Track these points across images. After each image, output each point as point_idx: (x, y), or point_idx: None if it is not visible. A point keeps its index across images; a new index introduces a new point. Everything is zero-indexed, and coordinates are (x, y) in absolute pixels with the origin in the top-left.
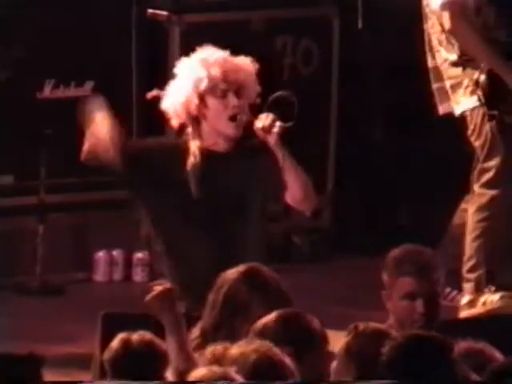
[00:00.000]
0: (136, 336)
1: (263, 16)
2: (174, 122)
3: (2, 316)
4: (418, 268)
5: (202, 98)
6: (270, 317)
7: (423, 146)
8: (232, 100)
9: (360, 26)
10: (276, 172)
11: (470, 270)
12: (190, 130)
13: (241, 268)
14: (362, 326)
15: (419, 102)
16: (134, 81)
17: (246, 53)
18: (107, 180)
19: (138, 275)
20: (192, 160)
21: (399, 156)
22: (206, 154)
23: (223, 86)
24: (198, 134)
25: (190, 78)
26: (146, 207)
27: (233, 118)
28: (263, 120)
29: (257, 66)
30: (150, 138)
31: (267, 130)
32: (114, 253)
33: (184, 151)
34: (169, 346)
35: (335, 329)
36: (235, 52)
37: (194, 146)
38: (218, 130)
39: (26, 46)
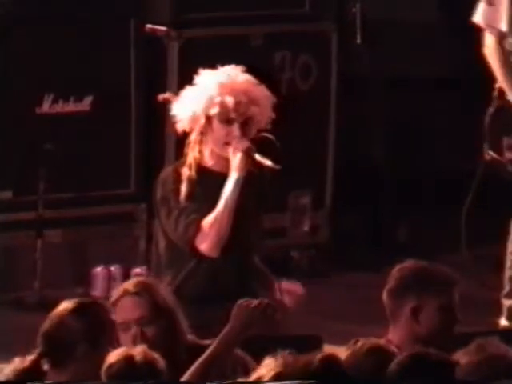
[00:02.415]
0: (138, 351)
1: (262, 31)
2: (179, 127)
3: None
4: (424, 286)
5: (209, 118)
6: None
7: (423, 160)
8: (236, 130)
9: (359, 41)
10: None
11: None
12: (191, 138)
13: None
14: (361, 341)
15: (418, 115)
16: (133, 96)
17: (245, 68)
18: (106, 195)
19: None
20: (186, 171)
21: (398, 170)
22: (201, 170)
23: (232, 115)
24: (199, 147)
25: (204, 97)
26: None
27: (229, 144)
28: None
29: (274, 98)
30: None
31: (245, 151)
32: (112, 268)
33: (181, 165)
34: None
35: (334, 344)
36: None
37: (191, 157)
38: (216, 151)
39: (25, 60)
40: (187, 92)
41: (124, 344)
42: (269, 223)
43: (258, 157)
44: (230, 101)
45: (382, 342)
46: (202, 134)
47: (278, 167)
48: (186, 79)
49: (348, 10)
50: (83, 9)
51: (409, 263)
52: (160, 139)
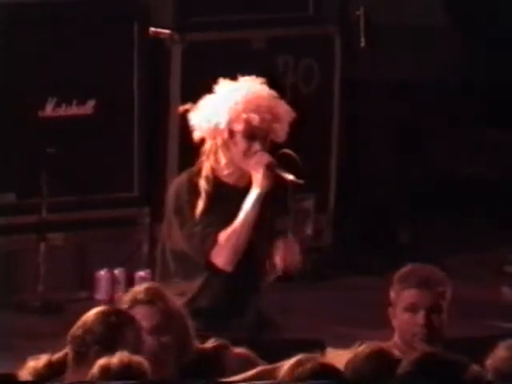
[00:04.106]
0: (115, 360)
1: (265, 35)
2: (196, 136)
3: (3, 334)
4: (421, 280)
5: (232, 133)
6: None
7: (425, 164)
8: (257, 145)
9: (362, 44)
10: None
11: None
12: (207, 147)
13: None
14: (364, 344)
15: (421, 119)
16: (136, 99)
17: (248, 72)
18: (109, 198)
19: None
20: (204, 184)
21: (401, 174)
22: (217, 182)
23: (256, 131)
24: (215, 156)
25: (229, 111)
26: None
27: (250, 156)
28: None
29: (294, 114)
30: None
31: (268, 165)
32: (116, 271)
33: (196, 174)
34: None
35: (336, 347)
36: (237, 71)
37: (208, 167)
38: (236, 163)
39: (28, 64)
40: (207, 101)
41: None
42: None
43: (279, 172)
44: (255, 118)
45: (384, 345)
46: (220, 144)
47: (300, 182)
48: (190, 82)
49: (351, 14)
50: (86, 12)
51: (407, 267)
52: (163, 143)
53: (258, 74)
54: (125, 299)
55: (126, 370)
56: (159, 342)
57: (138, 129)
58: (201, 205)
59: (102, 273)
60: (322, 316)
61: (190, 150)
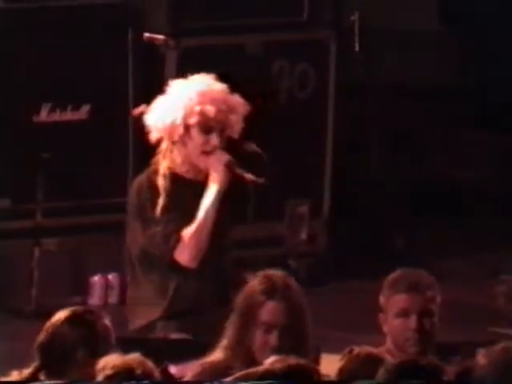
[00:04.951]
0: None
1: (260, 40)
2: (153, 137)
3: None
4: (411, 285)
5: (187, 127)
6: None
7: (420, 169)
8: (214, 139)
9: (357, 49)
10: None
11: None
12: (163, 147)
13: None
14: (356, 350)
15: (416, 124)
16: (131, 104)
17: (243, 77)
18: (103, 203)
19: None
20: (161, 181)
21: (396, 179)
22: (175, 178)
23: (212, 124)
24: (171, 155)
25: (183, 106)
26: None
27: (207, 153)
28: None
29: (249, 107)
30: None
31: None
32: (110, 276)
33: (154, 173)
34: None
35: (331, 353)
36: (232, 76)
37: (164, 166)
38: (191, 159)
39: (23, 69)
40: (160, 102)
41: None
42: (266, 232)
43: (238, 170)
44: (210, 109)
45: (376, 350)
46: (174, 142)
47: (261, 181)
48: None
49: (346, 18)
50: (81, 18)
51: (396, 272)
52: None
53: (254, 78)
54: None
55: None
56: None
57: (132, 134)
58: (161, 202)
59: (96, 278)
60: (316, 321)
61: None
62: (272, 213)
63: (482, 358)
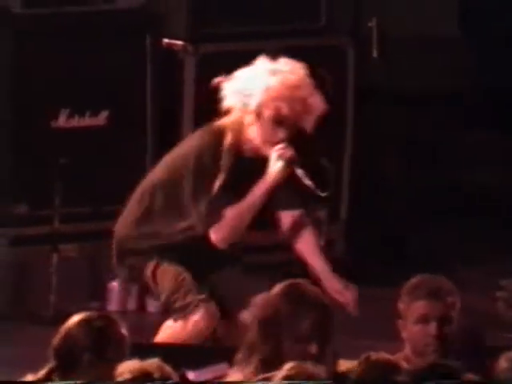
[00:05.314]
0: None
1: (278, 46)
2: (226, 104)
3: (15, 346)
4: (430, 291)
5: (260, 116)
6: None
7: (435, 176)
8: (283, 132)
9: (375, 55)
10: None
11: None
12: (233, 119)
13: (281, 286)
14: (372, 356)
15: (434, 130)
16: (149, 111)
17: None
18: (121, 209)
19: (152, 305)
20: (225, 157)
21: (413, 184)
22: (237, 154)
23: (284, 120)
24: (239, 131)
25: (261, 95)
26: None
27: (273, 144)
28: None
29: (326, 107)
30: None
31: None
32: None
33: (219, 139)
34: None
35: (348, 359)
36: None
37: (230, 139)
38: (257, 145)
39: (41, 75)
40: (243, 75)
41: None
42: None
43: (298, 171)
44: (285, 108)
45: (393, 357)
46: (246, 122)
47: (323, 194)
48: (203, 94)
49: (364, 24)
50: (100, 23)
51: (415, 278)
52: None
53: None
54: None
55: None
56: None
57: (150, 140)
58: (218, 181)
59: (115, 283)
60: (336, 327)
61: None
62: None
63: (504, 361)
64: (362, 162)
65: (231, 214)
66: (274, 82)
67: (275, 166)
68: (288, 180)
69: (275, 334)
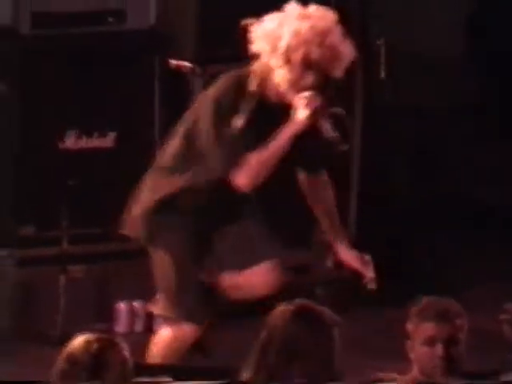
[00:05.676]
0: None
1: None
2: (254, 48)
3: (22, 366)
4: (438, 313)
5: (288, 60)
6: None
7: (445, 192)
8: (311, 77)
9: (383, 74)
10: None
11: None
12: (259, 62)
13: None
14: (380, 376)
15: (442, 146)
16: (157, 132)
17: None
18: None
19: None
20: (249, 100)
21: (421, 202)
22: (261, 98)
23: (313, 64)
24: (265, 75)
25: (290, 39)
26: None
27: (301, 89)
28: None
29: (355, 54)
30: None
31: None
32: (135, 304)
33: (244, 81)
34: None
35: (356, 378)
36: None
37: (255, 83)
38: (284, 90)
39: (49, 95)
40: (272, 19)
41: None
42: (292, 260)
43: (324, 122)
44: (316, 52)
45: (400, 377)
46: (273, 65)
47: (345, 147)
48: None
49: (372, 43)
50: (108, 44)
51: (424, 300)
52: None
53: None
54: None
55: None
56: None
57: None
58: (240, 121)
59: (122, 305)
60: (344, 346)
61: None
62: (298, 239)
63: None
64: (371, 181)
65: (256, 158)
66: (304, 26)
67: (301, 114)
68: (311, 133)
69: (279, 352)
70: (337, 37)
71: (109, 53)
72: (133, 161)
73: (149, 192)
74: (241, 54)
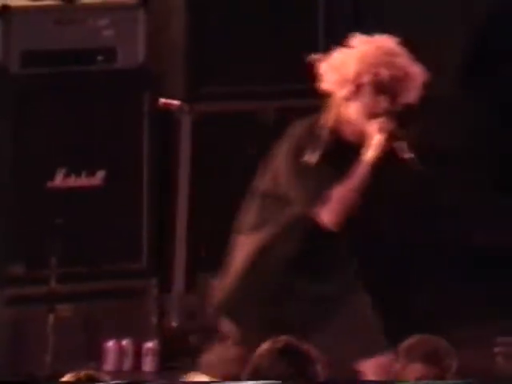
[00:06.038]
0: None
1: (273, 106)
2: (324, 86)
3: None
4: (427, 354)
5: (359, 86)
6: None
7: (433, 231)
8: (384, 101)
9: None
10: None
11: None
12: (332, 100)
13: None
14: None
15: (435, 189)
16: (145, 171)
17: (257, 143)
18: (117, 269)
19: (148, 365)
20: (325, 134)
21: (411, 243)
22: (337, 137)
23: (384, 87)
24: (339, 110)
25: (358, 63)
26: None
27: (374, 116)
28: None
29: (427, 75)
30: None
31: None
32: (124, 342)
33: (317, 124)
34: None
35: None
36: (247, 142)
37: (330, 121)
38: (357, 120)
39: (38, 134)
40: (339, 53)
41: None
42: None
43: (399, 144)
44: (385, 72)
45: None
46: (345, 98)
47: (421, 167)
48: (199, 153)
49: None
50: (97, 82)
51: (412, 339)
52: (172, 214)
53: (268, 144)
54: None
55: None
56: None
57: (146, 200)
58: (318, 154)
59: (110, 343)
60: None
61: (198, 219)
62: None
63: None
64: (361, 224)
65: (338, 194)
66: (369, 48)
67: (375, 140)
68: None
69: None
70: (405, 58)
71: (98, 91)
72: (121, 199)
73: None
74: (228, 92)
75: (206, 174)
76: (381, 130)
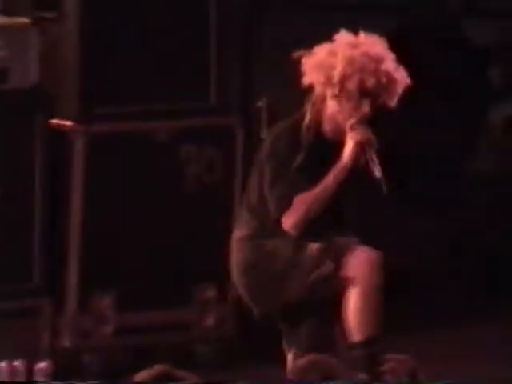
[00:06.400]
0: None
1: (167, 126)
2: (306, 81)
3: None
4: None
5: (343, 89)
6: None
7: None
8: (366, 105)
9: (263, 135)
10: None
11: None
12: (314, 96)
13: (151, 372)
14: None
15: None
16: (37, 192)
17: (151, 163)
18: (8, 289)
19: None
20: (305, 135)
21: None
22: (317, 134)
23: (369, 92)
24: (320, 108)
25: (344, 68)
26: None
27: (354, 117)
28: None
29: (410, 81)
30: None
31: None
32: (16, 363)
33: (298, 122)
34: None
35: None
36: (141, 162)
37: (310, 118)
38: (338, 119)
39: None
40: (323, 49)
41: None
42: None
43: (373, 156)
44: (371, 80)
45: None
46: (328, 96)
47: (386, 191)
48: (93, 175)
49: (253, 104)
50: None
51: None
52: (64, 233)
53: (162, 164)
54: None
55: None
56: None
57: (39, 221)
58: (299, 159)
59: (2, 364)
60: None
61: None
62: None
63: None
64: None
65: (300, 200)
66: (357, 53)
67: (349, 148)
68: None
69: None
70: (391, 64)
71: None
72: (13, 220)
73: None
74: (123, 112)
75: (99, 196)
76: (356, 137)
